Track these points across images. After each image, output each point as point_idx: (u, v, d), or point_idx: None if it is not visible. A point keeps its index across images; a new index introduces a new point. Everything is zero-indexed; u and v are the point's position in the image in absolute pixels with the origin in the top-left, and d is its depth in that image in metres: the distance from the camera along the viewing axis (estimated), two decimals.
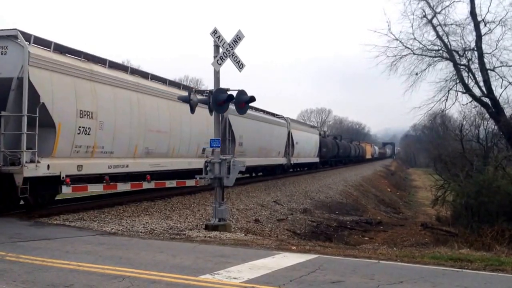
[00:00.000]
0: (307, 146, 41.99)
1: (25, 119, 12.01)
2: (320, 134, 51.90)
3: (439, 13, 26.03)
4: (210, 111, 13.59)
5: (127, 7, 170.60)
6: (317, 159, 46.51)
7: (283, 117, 35.47)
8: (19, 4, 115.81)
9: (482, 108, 29.40)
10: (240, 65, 13.38)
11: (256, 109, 29.03)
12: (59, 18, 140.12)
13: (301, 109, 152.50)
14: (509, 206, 20.12)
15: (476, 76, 26.05)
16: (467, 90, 26.45)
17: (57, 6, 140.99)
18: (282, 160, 34.08)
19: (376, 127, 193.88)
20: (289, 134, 34.93)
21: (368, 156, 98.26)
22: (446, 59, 26.71)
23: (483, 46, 25.37)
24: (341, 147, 62.92)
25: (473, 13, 25.29)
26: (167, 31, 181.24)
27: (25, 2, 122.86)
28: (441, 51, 26.85)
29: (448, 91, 26.89)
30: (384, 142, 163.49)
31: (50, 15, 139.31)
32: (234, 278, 6.78)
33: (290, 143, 34.78)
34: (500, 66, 25.51)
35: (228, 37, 13.23)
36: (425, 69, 26.86)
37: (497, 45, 25.30)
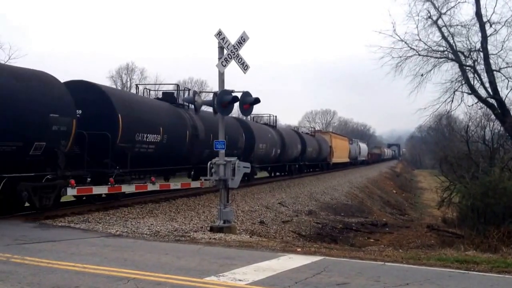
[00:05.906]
0: None
1: None
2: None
3: (444, 14, 25.99)
4: (215, 113, 13.61)
5: (130, 8, 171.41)
6: None
7: None
8: (23, 4, 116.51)
9: (488, 109, 29.26)
10: (244, 67, 13.35)
11: None
12: (62, 18, 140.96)
13: (306, 111, 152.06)
14: None
15: (482, 77, 25.97)
16: (473, 91, 26.34)
17: (61, 6, 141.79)
18: None
19: (381, 128, 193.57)
20: None
21: (341, 158, 57.18)
22: (452, 60, 26.62)
23: (489, 47, 25.30)
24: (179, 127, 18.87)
25: (478, 14, 25.19)
26: (172, 32, 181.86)
27: (28, 2, 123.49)
28: (446, 52, 26.77)
29: (454, 92, 26.82)
30: (389, 143, 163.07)
31: (53, 15, 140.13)
32: (239, 280, 6.76)
33: None
34: (506, 67, 25.47)
35: (232, 38, 13.21)
36: (430, 70, 26.79)
37: (502, 46, 25.26)
